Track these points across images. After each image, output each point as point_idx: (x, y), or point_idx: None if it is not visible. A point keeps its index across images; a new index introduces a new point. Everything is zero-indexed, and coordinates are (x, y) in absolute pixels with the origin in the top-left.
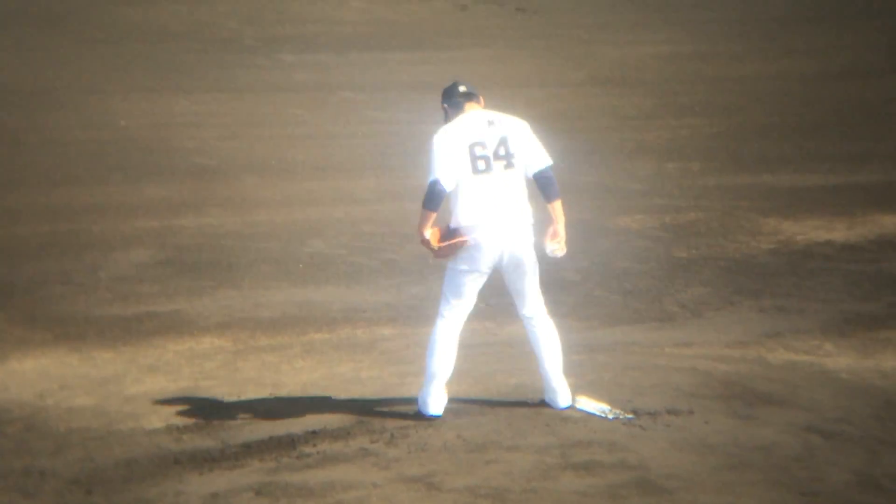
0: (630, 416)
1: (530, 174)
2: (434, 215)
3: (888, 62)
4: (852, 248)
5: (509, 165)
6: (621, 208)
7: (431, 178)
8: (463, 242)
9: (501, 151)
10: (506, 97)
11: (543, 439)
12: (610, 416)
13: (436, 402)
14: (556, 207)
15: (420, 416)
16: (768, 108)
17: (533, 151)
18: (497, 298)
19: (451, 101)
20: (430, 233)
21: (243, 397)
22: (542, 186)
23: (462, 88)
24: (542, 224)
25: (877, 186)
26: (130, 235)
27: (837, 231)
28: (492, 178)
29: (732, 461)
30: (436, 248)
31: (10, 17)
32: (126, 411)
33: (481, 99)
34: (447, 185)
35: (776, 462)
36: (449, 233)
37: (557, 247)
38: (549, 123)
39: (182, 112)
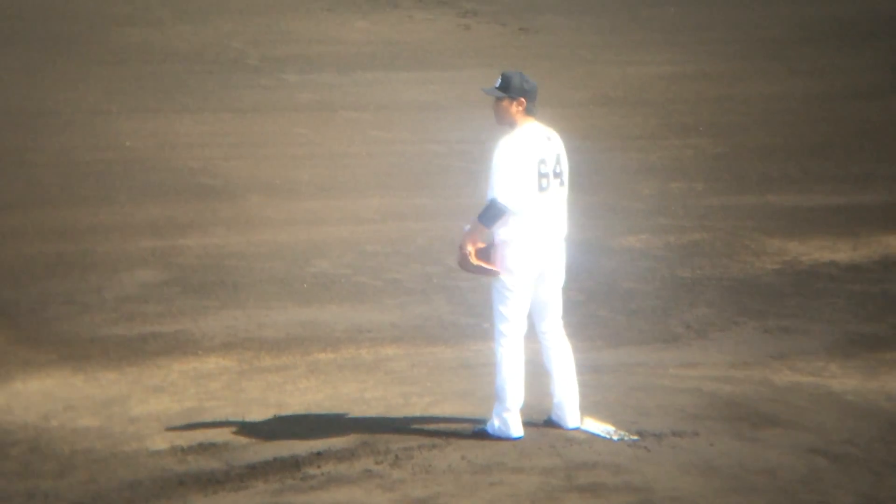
0: (635, 437)
1: None
2: (487, 232)
3: (891, 83)
4: (857, 268)
5: (562, 184)
6: (625, 228)
7: (492, 196)
8: (492, 273)
9: (557, 169)
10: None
11: (548, 461)
12: (615, 438)
13: (515, 425)
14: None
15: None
16: (772, 128)
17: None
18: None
19: (532, 101)
20: (467, 252)
21: (248, 418)
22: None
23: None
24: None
25: (881, 207)
26: (135, 255)
27: (842, 251)
28: (550, 197)
29: (737, 483)
30: (471, 265)
31: (16, 39)
32: (130, 432)
33: None
34: (510, 204)
35: (781, 484)
36: (485, 251)
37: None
38: None
39: (187, 132)
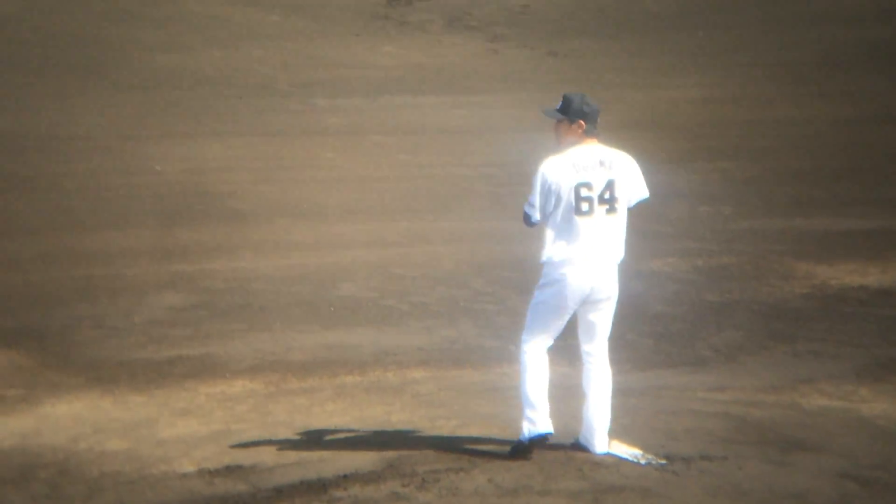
0: (663, 461)
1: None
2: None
3: None
4: (886, 292)
5: (612, 210)
6: (653, 252)
7: (526, 206)
8: None
9: (606, 195)
10: (537, 141)
11: (575, 484)
12: (643, 462)
13: (543, 420)
14: None
15: (535, 440)
16: (801, 152)
17: (637, 190)
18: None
19: (592, 123)
20: None
21: (274, 441)
22: None
23: (598, 119)
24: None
25: None
26: (163, 279)
27: (871, 275)
28: (593, 221)
29: None
30: None
31: (48, 66)
32: (158, 455)
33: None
34: (537, 218)
35: None
36: None
37: None
38: None
39: (216, 156)
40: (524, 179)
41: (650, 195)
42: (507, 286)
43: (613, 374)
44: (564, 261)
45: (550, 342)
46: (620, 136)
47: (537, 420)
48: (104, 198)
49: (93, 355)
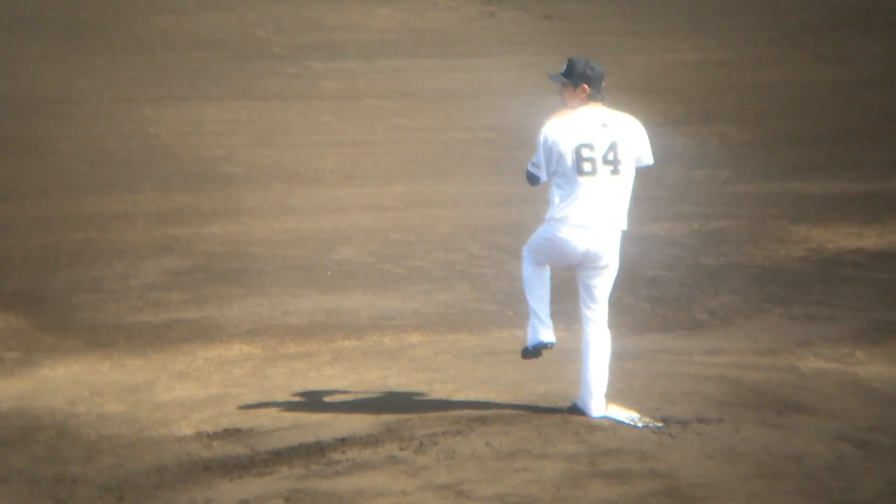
0: (659, 424)
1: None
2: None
3: None
4: (883, 255)
5: (615, 172)
6: (650, 216)
7: (530, 166)
8: None
9: (610, 157)
10: (534, 104)
11: (573, 447)
12: (639, 425)
13: (546, 330)
14: None
15: (537, 348)
16: (798, 115)
17: (642, 153)
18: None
19: (596, 87)
20: None
21: (272, 404)
22: None
23: (604, 83)
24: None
25: None
26: (160, 243)
27: (868, 238)
28: (596, 182)
29: (763, 470)
30: None
31: (41, 28)
32: (156, 418)
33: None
34: (542, 177)
35: (807, 471)
36: None
37: None
38: None
39: (211, 120)
40: (521, 143)
41: (654, 162)
42: (504, 250)
43: (611, 338)
44: (564, 218)
45: (542, 266)
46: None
47: (539, 329)
48: (100, 161)
49: (90, 319)
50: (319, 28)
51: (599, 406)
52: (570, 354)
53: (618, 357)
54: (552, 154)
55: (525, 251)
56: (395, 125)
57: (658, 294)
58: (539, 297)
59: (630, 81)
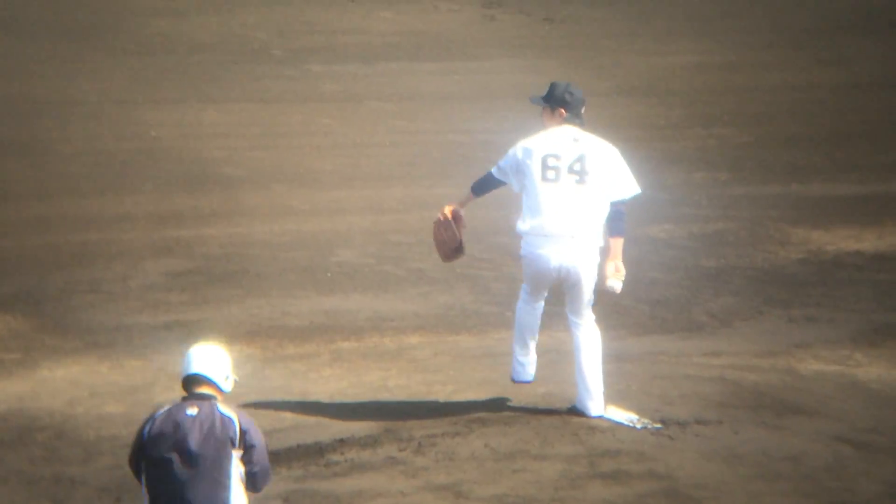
0: (658, 425)
1: (610, 200)
2: (471, 198)
3: None
4: (882, 257)
5: (581, 182)
6: (649, 218)
7: (493, 169)
8: (452, 246)
9: (577, 167)
10: (533, 107)
11: (571, 448)
12: (638, 426)
13: (523, 370)
14: (616, 244)
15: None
16: (797, 117)
17: (618, 177)
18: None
19: (573, 110)
20: (442, 211)
21: (271, 405)
22: (611, 217)
23: (584, 110)
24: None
25: None
26: (160, 245)
27: (867, 241)
28: (559, 189)
29: (761, 471)
30: (439, 219)
31: (43, 30)
32: None
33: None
34: (500, 176)
35: (806, 472)
36: (456, 220)
37: (618, 283)
38: None
39: (211, 122)
40: None
41: (640, 191)
42: (503, 252)
43: (608, 339)
44: (534, 234)
45: (539, 300)
46: (617, 102)
47: (518, 369)
48: (100, 163)
49: (89, 320)
50: (319, 31)
51: (598, 406)
52: (569, 356)
53: (617, 359)
54: (519, 163)
55: (521, 291)
56: (394, 128)
57: (657, 296)
58: (522, 337)
59: (630, 84)
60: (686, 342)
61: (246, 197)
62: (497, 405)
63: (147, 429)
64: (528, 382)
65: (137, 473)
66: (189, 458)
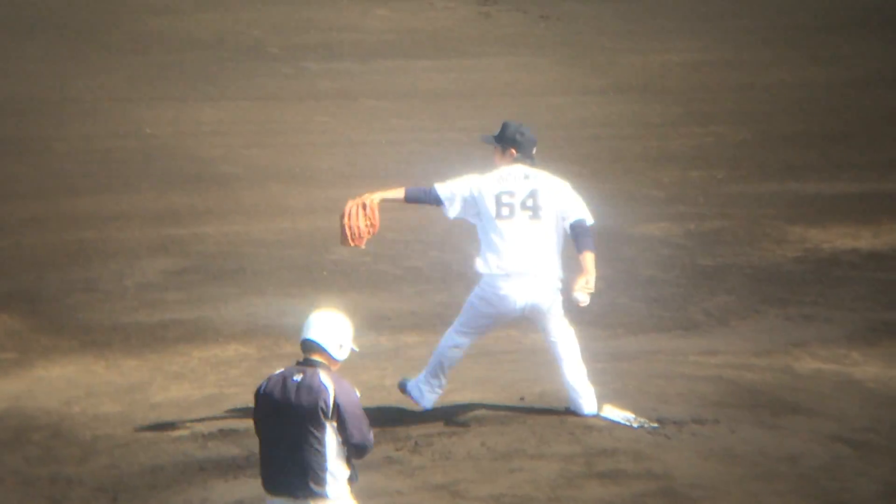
0: (655, 424)
1: (567, 224)
2: (399, 196)
3: None
4: (879, 256)
5: (535, 217)
6: (645, 216)
7: (438, 187)
8: (358, 236)
9: (529, 203)
10: (529, 105)
11: (568, 448)
12: (635, 425)
13: (429, 398)
14: (588, 258)
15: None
16: (794, 115)
17: (572, 205)
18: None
19: (523, 150)
20: (371, 199)
21: None
22: (576, 236)
23: (535, 150)
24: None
25: None
26: (156, 243)
27: (864, 239)
28: (514, 225)
29: (759, 471)
30: (363, 205)
31: (37, 27)
32: (151, 418)
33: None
34: (441, 192)
35: (803, 472)
36: (369, 217)
37: (585, 297)
38: (573, 131)
39: (207, 120)
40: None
41: (595, 222)
42: None
43: (605, 339)
44: (496, 274)
45: (474, 339)
46: (613, 99)
47: (426, 393)
48: (96, 161)
49: (86, 319)
50: (316, 28)
51: (590, 403)
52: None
53: (613, 357)
54: (470, 197)
55: (455, 323)
56: (391, 125)
57: (654, 294)
58: (440, 368)
59: (626, 82)
60: (683, 341)
61: (242, 195)
62: (494, 404)
63: (262, 388)
64: (427, 409)
65: (256, 431)
66: (288, 422)
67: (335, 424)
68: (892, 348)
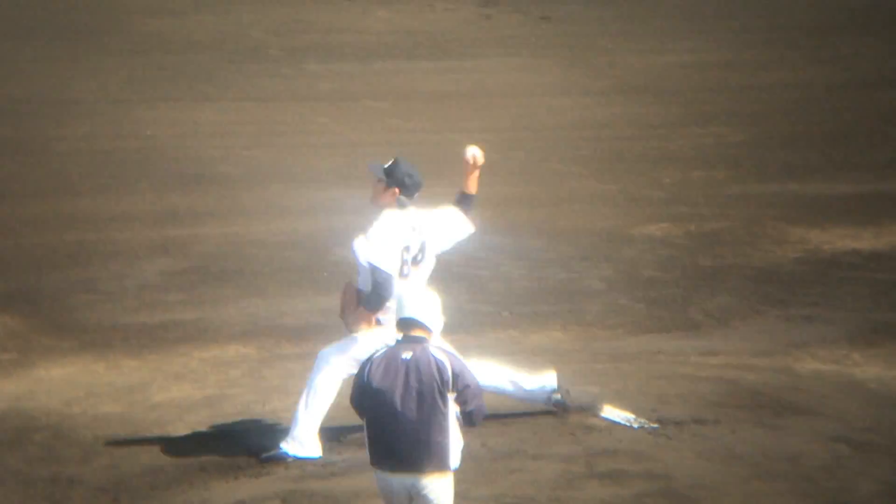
0: (655, 425)
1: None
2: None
3: None
4: (879, 256)
5: (418, 267)
6: (646, 217)
7: (380, 278)
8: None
9: (419, 257)
10: (530, 106)
11: (568, 448)
12: (635, 426)
13: (317, 445)
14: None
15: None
16: (794, 116)
17: (451, 231)
18: (520, 307)
19: (408, 193)
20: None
21: (268, 405)
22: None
23: (417, 194)
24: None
25: None
26: (156, 244)
27: (864, 240)
28: (410, 283)
29: (759, 471)
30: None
31: (38, 29)
32: (152, 419)
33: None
34: (393, 273)
35: (803, 472)
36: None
37: (474, 149)
38: (574, 132)
39: (207, 121)
40: (517, 145)
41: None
42: (500, 252)
43: (605, 339)
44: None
45: (347, 373)
46: (613, 100)
47: (308, 443)
48: (96, 162)
49: (86, 320)
50: (316, 29)
51: (531, 379)
52: (568, 355)
53: (614, 358)
54: (396, 253)
55: (326, 356)
56: (391, 126)
57: (654, 295)
58: (320, 409)
59: (627, 83)
60: (683, 341)
61: (242, 196)
62: (494, 405)
63: (367, 370)
64: (318, 459)
65: (361, 413)
66: (408, 400)
67: (455, 395)
68: (892, 349)
